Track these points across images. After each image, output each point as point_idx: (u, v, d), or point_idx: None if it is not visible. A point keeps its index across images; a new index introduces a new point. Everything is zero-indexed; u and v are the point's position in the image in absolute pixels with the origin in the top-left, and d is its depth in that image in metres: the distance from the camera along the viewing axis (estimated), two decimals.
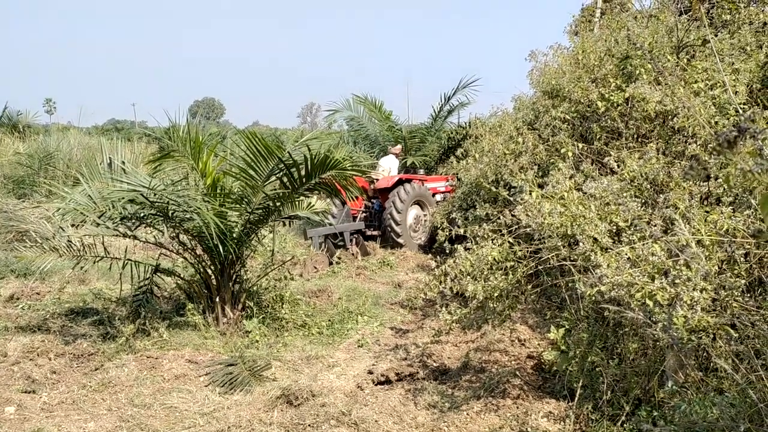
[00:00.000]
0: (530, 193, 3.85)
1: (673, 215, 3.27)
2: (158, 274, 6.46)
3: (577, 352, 4.17)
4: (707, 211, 3.29)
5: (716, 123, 4.20)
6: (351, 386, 4.88)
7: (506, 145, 6.43)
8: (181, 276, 6.51)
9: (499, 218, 4.23)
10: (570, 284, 4.26)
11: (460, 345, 5.67)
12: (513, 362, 4.98)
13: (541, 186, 4.07)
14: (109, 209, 5.60)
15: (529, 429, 3.85)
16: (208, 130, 19.16)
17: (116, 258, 6.23)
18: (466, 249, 4.20)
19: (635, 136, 5.41)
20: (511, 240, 4.10)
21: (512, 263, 4.08)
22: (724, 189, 3.55)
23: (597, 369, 4.00)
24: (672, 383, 3.40)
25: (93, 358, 5.51)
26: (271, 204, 5.99)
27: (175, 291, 7.01)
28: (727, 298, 3.03)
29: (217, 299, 6.16)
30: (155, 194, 5.60)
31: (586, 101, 5.77)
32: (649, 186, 4.09)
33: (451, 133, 13.46)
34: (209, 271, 6.24)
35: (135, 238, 6.19)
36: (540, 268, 4.17)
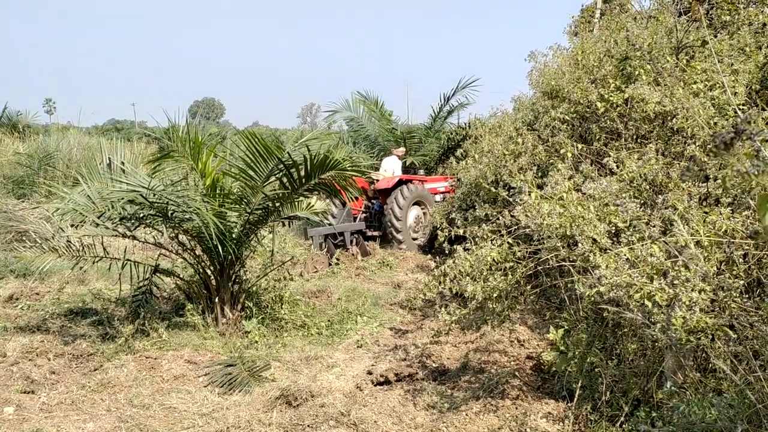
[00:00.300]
0: (529, 194, 3.85)
1: (671, 216, 3.27)
2: (157, 274, 6.46)
3: (576, 352, 4.18)
4: (706, 212, 3.29)
5: (715, 124, 4.20)
6: (350, 387, 4.88)
7: (506, 145, 6.44)
8: (181, 276, 6.51)
9: (498, 219, 4.23)
10: (569, 285, 4.26)
11: (460, 345, 5.67)
12: (512, 363, 4.98)
13: (540, 187, 4.07)
14: (109, 209, 5.61)
15: (528, 429, 3.85)
16: (207, 131, 19.16)
17: (115, 258, 6.23)
18: (465, 249, 4.20)
19: (634, 136, 5.42)
20: (510, 241, 4.10)
21: (511, 264, 4.08)
22: (723, 190, 3.55)
23: (596, 370, 4.01)
24: (671, 384, 3.40)
25: (92, 358, 5.51)
26: (270, 204, 5.99)
27: (174, 291, 7.01)
28: (725, 299, 3.03)
29: (217, 300, 6.16)
30: (154, 194, 5.60)
31: (586, 102, 5.77)
32: (648, 187, 4.10)
33: (451, 133, 13.46)
34: (208, 272, 6.24)
35: (134, 238, 6.19)
36: (539, 268, 4.17)
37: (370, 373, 5.16)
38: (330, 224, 10.35)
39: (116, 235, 6.16)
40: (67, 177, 13.17)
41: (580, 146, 5.54)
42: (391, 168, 11.53)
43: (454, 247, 4.31)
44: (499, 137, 6.93)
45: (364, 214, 11.20)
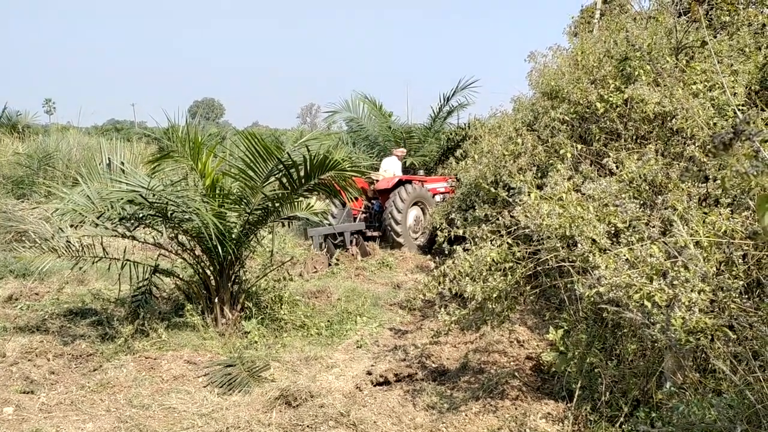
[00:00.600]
0: (529, 194, 3.85)
1: (671, 216, 3.28)
2: (157, 274, 6.46)
3: (576, 353, 4.18)
4: (705, 213, 3.30)
5: (715, 124, 4.20)
6: (350, 387, 4.88)
7: (505, 146, 6.44)
8: (180, 277, 6.51)
9: (498, 219, 4.23)
10: (569, 285, 4.26)
11: (459, 346, 5.66)
12: (512, 363, 4.98)
13: (539, 187, 4.07)
14: (108, 210, 5.60)
15: (527, 430, 3.84)
16: (207, 131, 19.16)
17: (115, 258, 6.23)
18: (465, 250, 4.20)
19: (634, 137, 5.42)
20: (509, 241, 4.10)
21: (511, 264, 4.08)
22: (722, 190, 3.55)
23: (595, 370, 4.00)
24: (670, 384, 3.40)
25: (91, 358, 5.50)
26: (270, 205, 5.99)
27: (174, 292, 7.01)
28: (725, 300, 3.03)
29: (216, 300, 6.16)
30: (154, 195, 5.60)
31: (585, 102, 5.77)
32: (647, 187, 4.10)
33: (451, 134, 13.47)
34: (208, 272, 6.24)
35: (134, 238, 6.19)
36: (539, 269, 4.17)
37: (369, 373, 5.16)
38: (330, 224, 10.35)
39: (116, 236, 6.16)
40: (66, 177, 13.17)
41: (579, 147, 5.55)
42: (391, 168, 11.53)
43: (454, 247, 4.31)
44: (499, 138, 6.94)
45: (363, 215, 11.20)
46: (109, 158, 7.38)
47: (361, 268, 9.42)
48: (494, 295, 4.10)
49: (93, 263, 6.23)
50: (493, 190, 5.07)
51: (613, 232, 3.59)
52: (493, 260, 4.03)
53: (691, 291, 2.89)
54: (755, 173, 1.57)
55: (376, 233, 11.04)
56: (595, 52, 6.09)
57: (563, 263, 3.92)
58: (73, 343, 5.74)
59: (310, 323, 6.42)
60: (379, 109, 14.54)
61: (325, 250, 9.94)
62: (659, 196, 3.80)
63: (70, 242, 6.37)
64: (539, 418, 3.92)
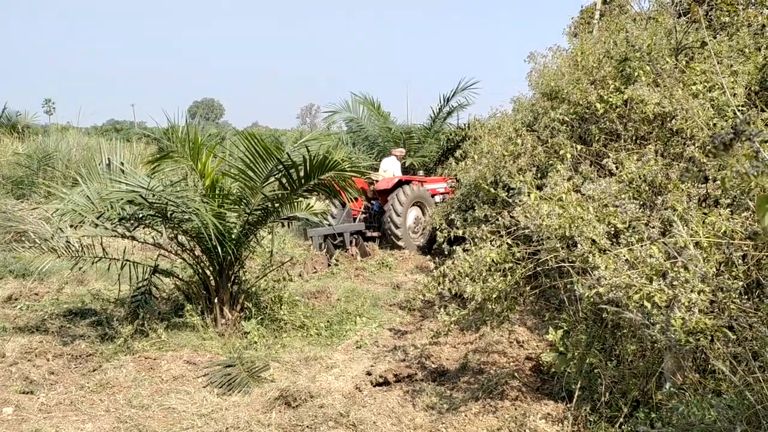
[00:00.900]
0: (529, 195, 3.85)
1: (671, 217, 3.28)
2: (157, 274, 6.46)
3: (576, 353, 4.18)
4: (705, 213, 3.30)
5: (714, 125, 4.20)
6: (349, 387, 4.88)
7: (505, 146, 6.44)
8: (180, 277, 6.51)
9: (497, 219, 4.23)
10: (568, 286, 4.26)
11: (459, 346, 5.66)
12: (511, 364, 4.98)
13: (539, 187, 4.07)
14: (108, 210, 5.60)
15: (527, 430, 3.84)
16: (207, 131, 19.13)
17: (115, 259, 6.23)
18: (464, 250, 4.20)
19: (634, 137, 5.42)
20: (509, 241, 4.10)
21: (511, 265, 4.08)
22: (722, 191, 3.55)
23: (595, 370, 4.01)
24: (670, 385, 3.40)
25: (91, 359, 5.50)
26: (270, 205, 5.99)
27: (173, 292, 7.01)
28: (724, 300, 3.03)
29: (216, 300, 6.16)
30: (154, 195, 5.60)
31: (585, 103, 5.78)
32: (647, 188, 4.10)
33: (450, 134, 13.47)
34: (208, 272, 6.24)
35: (133, 238, 6.19)
36: (538, 269, 4.17)
37: (369, 373, 5.16)
38: (329, 225, 10.36)
39: (115, 236, 6.16)
40: (66, 177, 13.16)
41: (579, 147, 5.55)
42: (390, 169, 11.53)
43: (454, 247, 4.31)
44: (499, 138, 6.93)
45: (363, 215, 11.20)
46: (108, 158, 7.38)
47: (361, 268, 9.42)
48: (494, 296, 4.10)
49: (93, 263, 6.23)
50: (492, 190, 5.07)
51: (612, 232, 3.59)
52: (492, 261, 4.03)
53: (691, 291, 2.89)
54: (755, 174, 1.57)
55: (375, 233, 11.05)
56: (594, 52, 6.09)
57: (563, 264, 3.92)
58: (72, 344, 5.74)
59: (310, 324, 6.42)
60: (378, 110, 14.56)
61: (325, 250, 9.94)
62: (659, 197, 3.80)
63: (69, 242, 6.37)
64: (539, 419, 3.92)
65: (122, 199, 5.48)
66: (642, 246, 3.20)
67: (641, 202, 3.91)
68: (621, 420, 3.62)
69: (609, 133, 5.68)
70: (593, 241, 3.48)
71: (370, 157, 13.51)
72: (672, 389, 3.34)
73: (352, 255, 10.12)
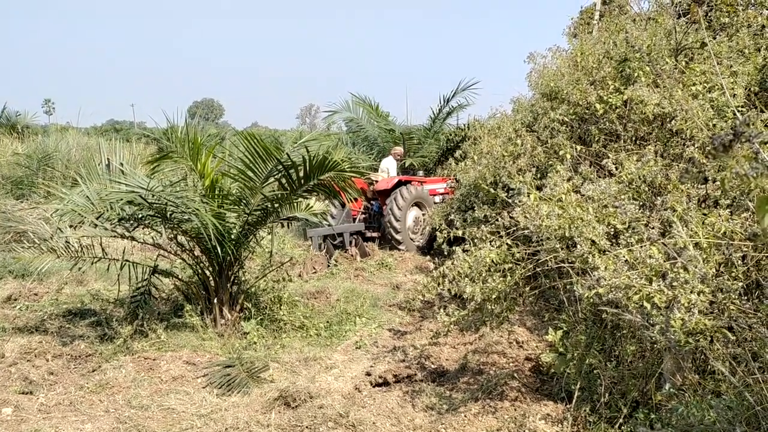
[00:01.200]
0: (528, 195, 3.85)
1: (670, 218, 3.27)
2: (156, 275, 6.45)
3: (575, 354, 4.18)
4: (705, 214, 3.29)
5: (714, 126, 4.20)
6: (349, 388, 4.88)
7: (505, 147, 6.43)
8: (179, 277, 6.51)
9: (497, 220, 4.23)
10: (568, 286, 4.26)
11: (458, 347, 5.66)
12: (511, 364, 4.98)
13: (539, 188, 4.07)
14: (107, 210, 5.60)
15: (526, 431, 3.84)
16: (206, 131, 19.13)
17: (114, 259, 6.22)
18: (464, 251, 4.20)
19: (633, 138, 5.42)
20: (509, 242, 4.10)
21: (510, 265, 4.08)
22: (722, 192, 3.55)
23: (595, 371, 4.00)
24: (669, 386, 3.40)
25: (90, 359, 5.50)
26: (269, 205, 5.99)
27: (173, 292, 7.01)
28: (724, 301, 3.03)
29: (215, 300, 6.16)
30: (153, 195, 5.60)
31: (585, 103, 5.77)
32: (647, 188, 4.09)
33: (450, 134, 13.47)
34: (207, 273, 6.23)
35: (133, 239, 6.18)
36: (538, 270, 4.17)
37: (368, 374, 5.16)
38: (329, 225, 10.36)
39: (115, 236, 6.16)
40: (65, 177, 13.17)
41: (579, 148, 5.54)
42: (387, 168, 11.52)
43: (453, 248, 4.31)
44: (498, 138, 6.93)
45: (363, 215, 11.21)
46: (108, 159, 7.39)
47: (360, 268, 9.42)
48: (493, 296, 4.10)
49: (92, 264, 6.22)
50: (492, 191, 5.07)
51: (612, 233, 3.59)
52: (492, 261, 4.03)
53: (691, 292, 2.89)
54: (755, 175, 1.57)
55: (375, 234, 11.05)
56: (594, 53, 6.09)
57: (562, 264, 3.92)
58: (72, 344, 5.74)
59: (310, 324, 6.42)
60: (376, 111, 14.56)
61: (325, 250, 9.94)
62: (658, 198, 3.79)
63: (69, 243, 6.37)
64: (538, 420, 3.92)
65: (122, 199, 5.48)
66: (641, 247, 3.20)
67: (641, 203, 3.91)
68: (620, 421, 3.61)
69: (609, 133, 5.68)
70: (593, 241, 3.47)
71: (369, 158, 13.53)
72: (671, 390, 3.34)
73: (352, 255, 10.12)
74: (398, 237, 10.58)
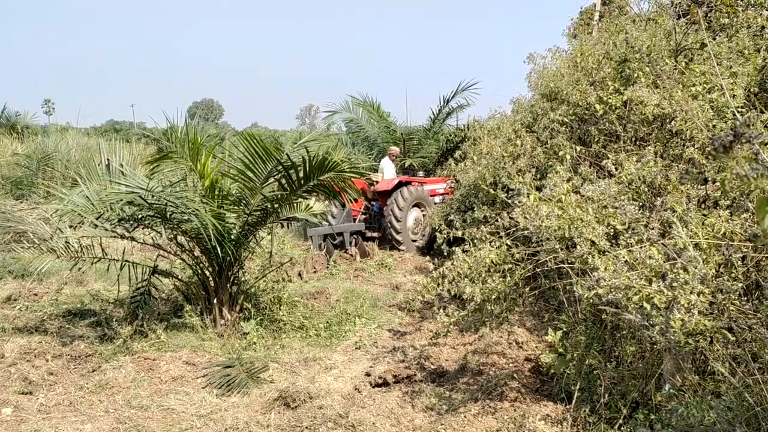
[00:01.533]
0: (528, 196, 3.85)
1: (670, 218, 3.28)
2: (156, 275, 6.45)
3: (575, 354, 4.18)
4: (705, 215, 3.30)
5: (714, 126, 4.20)
6: (348, 388, 4.87)
7: (504, 147, 6.44)
8: (179, 277, 6.51)
9: (497, 220, 4.23)
10: (568, 287, 4.26)
11: (458, 347, 5.66)
12: (510, 365, 4.98)
13: (539, 188, 4.07)
14: (107, 211, 5.60)
15: (526, 431, 3.85)
16: (206, 132, 19.16)
17: (114, 259, 6.22)
18: (464, 251, 4.20)
19: (633, 139, 5.42)
20: (508, 242, 4.10)
21: (510, 266, 4.08)
22: (722, 192, 3.55)
23: (594, 372, 4.00)
24: (669, 386, 3.40)
25: (90, 359, 5.50)
26: (269, 206, 5.99)
27: (172, 292, 7.01)
28: (724, 302, 3.03)
29: (215, 301, 6.16)
30: (153, 196, 5.60)
31: (585, 104, 5.77)
32: (646, 189, 4.10)
33: (450, 135, 13.49)
34: (207, 273, 6.23)
35: (133, 239, 6.18)
36: (538, 270, 4.17)
37: (368, 374, 5.16)
38: (329, 225, 10.37)
39: (115, 236, 6.16)
40: (65, 178, 13.16)
41: (578, 148, 5.54)
42: (384, 168, 11.52)
43: (453, 248, 4.31)
44: (498, 139, 6.93)
45: (363, 215, 11.21)
46: (108, 159, 7.38)
47: (360, 269, 9.42)
48: (493, 297, 4.10)
49: (92, 264, 6.22)
50: (492, 191, 5.07)
51: (612, 233, 3.59)
52: (492, 262, 4.03)
53: (690, 293, 2.89)
54: (755, 176, 1.57)
55: (375, 234, 11.05)
56: (594, 53, 6.09)
57: (562, 265, 3.92)
58: (71, 344, 5.73)
59: (309, 324, 6.42)
60: (377, 111, 14.57)
61: (324, 250, 9.94)
62: (658, 198, 3.79)
63: (69, 243, 6.36)
64: (538, 420, 3.92)
65: (122, 199, 5.48)
66: (641, 247, 3.20)
67: (640, 204, 3.91)
68: (620, 421, 3.61)
69: (608, 134, 5.68)
70: (592, 242, 3.48)
71: (369, 158, 13.53)
72: (671, 391, 3.33)
73: (352, 255, 10.13)
74: (399, 237, 10.59)
